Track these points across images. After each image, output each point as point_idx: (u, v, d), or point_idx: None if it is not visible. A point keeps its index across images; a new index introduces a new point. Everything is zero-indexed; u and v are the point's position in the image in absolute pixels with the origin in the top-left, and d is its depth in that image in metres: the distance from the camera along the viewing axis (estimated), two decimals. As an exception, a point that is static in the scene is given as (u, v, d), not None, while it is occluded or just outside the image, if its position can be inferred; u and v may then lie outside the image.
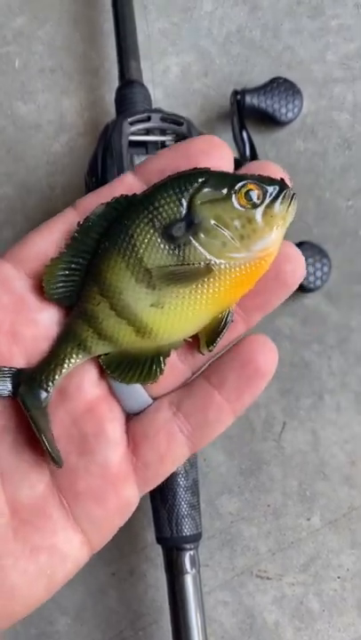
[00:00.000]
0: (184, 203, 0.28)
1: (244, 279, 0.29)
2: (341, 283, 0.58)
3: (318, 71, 0.63)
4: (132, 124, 0.50)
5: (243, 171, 0.30)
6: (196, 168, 0.29)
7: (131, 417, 0.31)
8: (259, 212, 0.28)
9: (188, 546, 0.48)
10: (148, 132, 0.51)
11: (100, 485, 0.29)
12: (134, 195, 0.29)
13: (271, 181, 0.29)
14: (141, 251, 0.28)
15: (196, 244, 0.28)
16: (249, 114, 0.59)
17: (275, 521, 0.55)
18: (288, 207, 0.29)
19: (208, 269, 0.28)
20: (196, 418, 0.30)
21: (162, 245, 0.28)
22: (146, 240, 0.28)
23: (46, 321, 0.30)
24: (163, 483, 0.48)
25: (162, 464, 0.30)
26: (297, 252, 0.30)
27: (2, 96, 0.64)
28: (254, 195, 0.28)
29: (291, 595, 0.54)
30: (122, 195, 0.29)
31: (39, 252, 0.29)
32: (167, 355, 0.30)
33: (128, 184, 0.30)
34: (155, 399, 0.31)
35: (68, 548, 0.29)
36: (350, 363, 0.58)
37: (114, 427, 0.30)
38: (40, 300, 0.29)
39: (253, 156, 0.56)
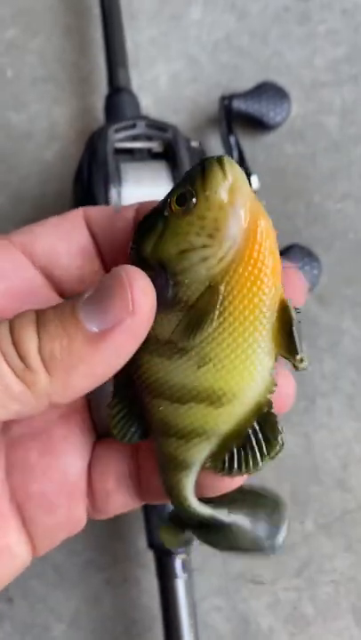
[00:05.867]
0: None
1: (255, 262, 0.24)
2: (332, 285, 0.58)
3: (307, 75, 0.63)
4: (117, 131, 0.50)
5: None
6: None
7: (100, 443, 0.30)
8: (202, 203, 0.24)
9: (178, 550, 0.48)
10: (134, 138, 0.52)
11: (53, 492, 0.28)
12: None
13: (192, 170, 0.25)
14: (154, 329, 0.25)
15: (185, 282, 0.25)
16: (238, 118, 0.59)
17: (268, 525, 0.55)
18: (224, 173, 0.24)
19: (212, 290, 0.24)
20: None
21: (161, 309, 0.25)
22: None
23: None
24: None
25: (107, 501, 0.29)
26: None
27: (-6, 107, 0.65)
28: (183, 195, 0.25)
29: (285, 599, 0.54)
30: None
31: (49, 247, 0.28)
32: (266, 407, 0.25)
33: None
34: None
35: (18, 549, 0.28)
36: (342, 366, 0.57)
37: (84, 436, 0.29)
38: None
39: (242, 161, 0.57)
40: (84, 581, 0.55)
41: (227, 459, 0.26)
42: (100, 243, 0.28)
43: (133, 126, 0.51)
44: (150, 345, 0.25)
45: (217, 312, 0.24)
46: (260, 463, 0.25)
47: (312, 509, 0.55)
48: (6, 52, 0.66)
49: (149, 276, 0.24)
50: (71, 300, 0.25)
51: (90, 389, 0.25)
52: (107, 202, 0.48)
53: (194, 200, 0.24)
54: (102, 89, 0.64)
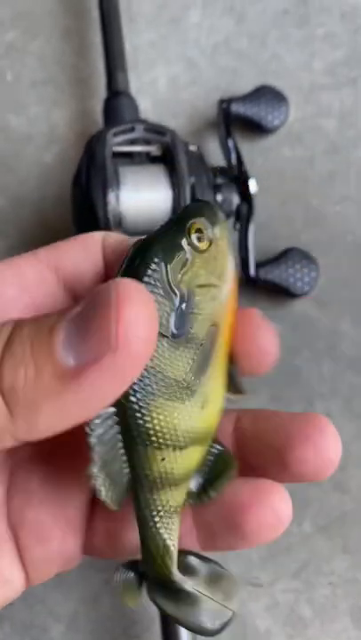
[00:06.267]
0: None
1: (234, 305, 0.26)
2: (330, 288, 0.58)
3: (305, 79, 0.64)
4: (116, 134, 0.51)
5: None
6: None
7: None
8: (214, 246, 0.25)
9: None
10: (132, 142, 0.52)
11: (47, 523, 0.27)
12: None
13: (201, 209, 0.26)
14: (166, 370, 0.24)
15: (199, 318, 0.24)
16: (236, 122, 0.59)
17: (266, 527, 0.55)
18: (225, 223, 0.26)
19: (215, 329, 0.25)
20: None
21: (169, 343, 0.24)
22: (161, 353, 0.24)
23: None
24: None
25: (108, 541, 0.28)
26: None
27: (-6, 110, 0.65)
28: (200, 230, 0.25)
29: (283, 602, 0.54)
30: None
31: (76, 264, 0.27)
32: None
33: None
34: None
35: (11, 574, 0.26)
36: (340, 368, 0.58)
37: None
38: None
39: (240, 164, 0.57)
40: (82, 582, 0.55)
41: (201, 488, 0.26)
42: (109, 271, 0.28)
43: (132, 130, 0.51)
44: (168, 388, 0.24)
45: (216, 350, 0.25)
46: (228, 481, 0.26)
47: (310, 511, 0.55)
48: (6, 54, 0.66)
49: (172, 304, 0.23)
50: (57, 314, 0.21)
51: (67, 428, 0.21)
52: (105, 205, 0.48)
53: (208, 241, 0.25)
54: (101, 92, 0.64)
